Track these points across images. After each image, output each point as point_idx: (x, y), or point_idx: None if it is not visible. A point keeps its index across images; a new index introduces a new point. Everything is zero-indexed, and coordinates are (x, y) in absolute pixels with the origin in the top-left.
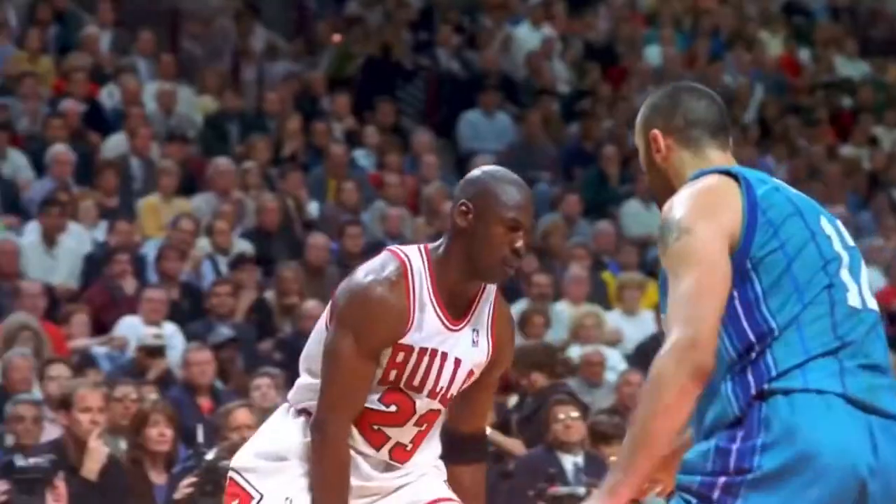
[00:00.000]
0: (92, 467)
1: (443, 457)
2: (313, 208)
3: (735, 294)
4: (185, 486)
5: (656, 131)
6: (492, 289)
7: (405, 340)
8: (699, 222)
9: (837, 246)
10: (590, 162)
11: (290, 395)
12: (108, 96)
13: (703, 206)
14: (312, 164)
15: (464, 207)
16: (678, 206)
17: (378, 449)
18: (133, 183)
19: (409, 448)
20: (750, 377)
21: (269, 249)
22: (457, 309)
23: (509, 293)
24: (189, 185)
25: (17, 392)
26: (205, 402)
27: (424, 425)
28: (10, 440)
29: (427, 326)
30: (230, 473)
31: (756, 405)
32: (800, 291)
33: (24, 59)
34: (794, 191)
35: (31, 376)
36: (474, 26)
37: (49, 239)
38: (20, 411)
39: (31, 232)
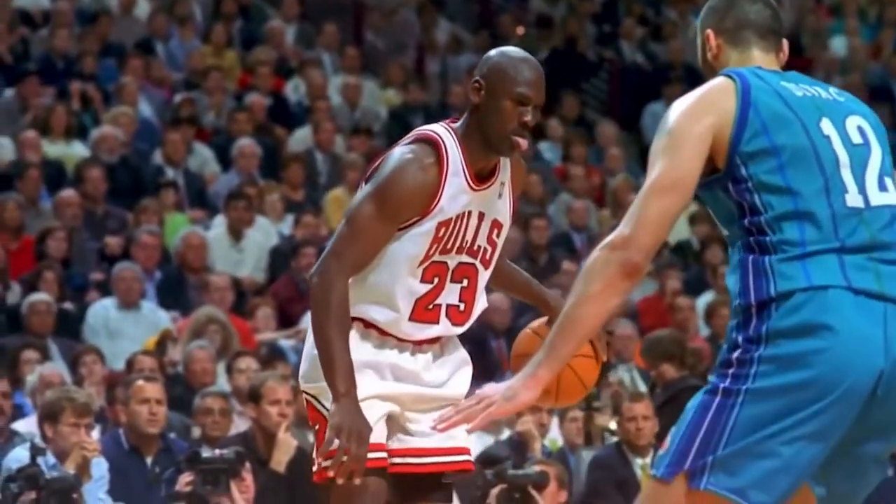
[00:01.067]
0: (280, 459)
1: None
2: None
3: (731, 190)
4: None
5: (710, 31)
6: None
7: (443, 216)
8: (685, 132)
9: (837, 145)
10: None
11: None
12: (293, 90)
13: (692, 113)
14: None
15: (476, 84)
16: (674, 110)
17: (438, 322)
18: (319, 176)
19: (462, 308)
20: (752, 275)
21: None
22: (483, 171)
23: (695, 285)
24: None
25: (200, 384)
26: None
27: (464, 280)
28: (196, 432)
29: (457, 195)
30: (305, 396)
31: (763, 308)
32: (792, 192)
33: (209, 53)
34: (801, 92)
35: (211, 368)
36: (658, 18)
37: (235, 232)
38: (208, 403)
39: (218, 225)
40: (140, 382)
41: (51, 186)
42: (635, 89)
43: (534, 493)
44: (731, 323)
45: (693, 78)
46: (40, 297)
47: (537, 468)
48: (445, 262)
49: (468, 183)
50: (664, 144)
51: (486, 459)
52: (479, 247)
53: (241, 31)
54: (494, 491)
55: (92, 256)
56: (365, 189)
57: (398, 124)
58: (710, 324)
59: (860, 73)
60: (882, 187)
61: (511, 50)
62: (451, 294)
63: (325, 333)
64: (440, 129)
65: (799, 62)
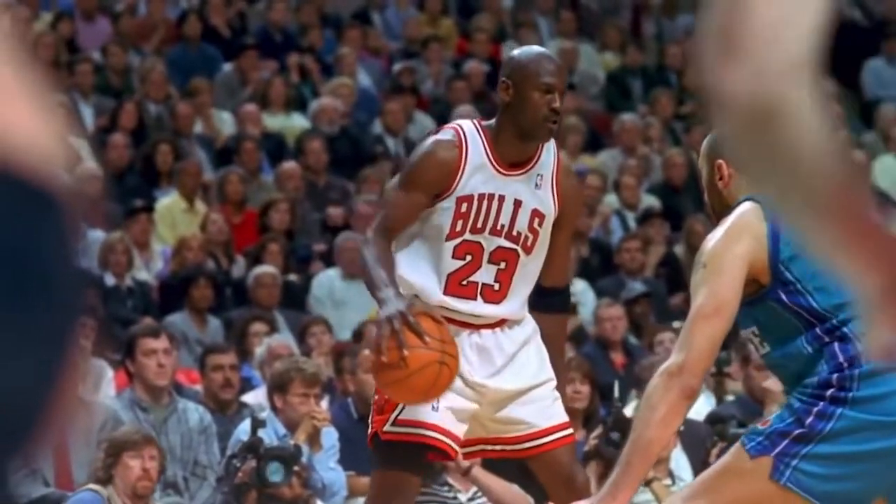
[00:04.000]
0: None
1: (529, 307)
2: None
3: (785, 299)
4: (592, 438)
5: (721, 161)
6: (551, 145)
7: (462, 192)
8: (720, 261)
9: None
10: None
11: None
12: None
13: (726, 242)
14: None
15: (504, 84)
16: (711, 239)
17: (474, 298)
18: None
19: (496, 288)
20: (837, 346)
21: (676, 203)
22: (514, 161)
23: None
24: (594, 141)
25: None
26: (618, 357)
27: (502, 263)
28: None
29: (481, 176)
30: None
31: (853, 362)
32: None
33: (425, 21)
34: None
35: None
36: None
37: None
38: None
39: None
40: (367, 352)
41: (272, 159)
42: (853, 46)
43: None
44: (813, 380)
45: None
46: (265, 269)
47: None
48: (479, 243)
49: (493, 166)
50: (703, 275)
51: (714, 419)
52: (519, 233)
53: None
54: (715, 450)
55: (315, 227)
56: (400, 173)
57: (617, 87)
58: None
59: None
60: None
61: (529, 48)
62: (487, 274)
63: (364, 261)
64: (463, 121)
65: None
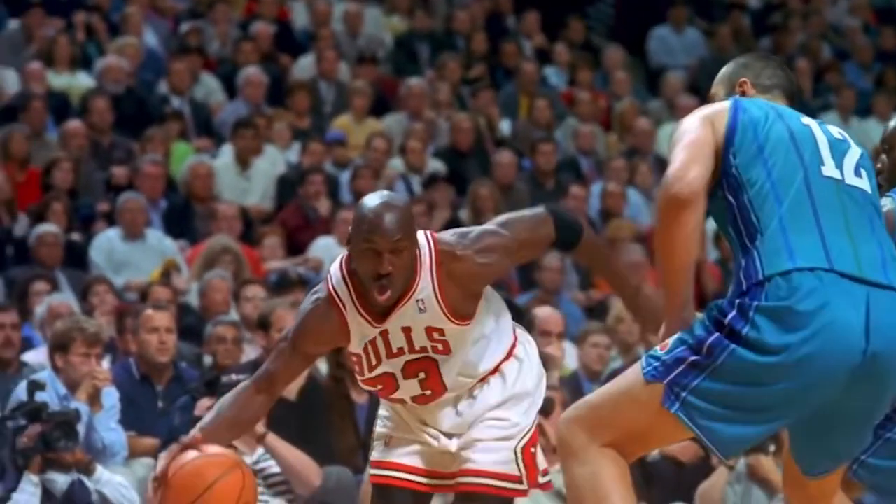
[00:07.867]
0: (291, 387)
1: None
2: (505, 126)
3: (725, 186)
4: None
5: (747, 81)
6: (426, 259)
7: (353, 349)
8: (689, 125)
9: (817, 132)
10: None
11: None
12: (299, 18)
13: (697, 117)
14: (503, 83)
15: (348, 238)
16: (682, 121)
17: (406, 403)
18: (323, 104)
19: (428, 393)
20: (743, 260)
21: (462, 168)
22: (383, 311)
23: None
24: (381, 105)
25: (216, 314)
26: None
27: (420, 374)
28: (208, 360)
29: (362, 329)
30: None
31: (753, 290)
32: (769, 172)
33: None
34: (784, 107)
35: (229, 298)
36: None
37: (242, 161)
38: (221, 332)
39: (225, 154)
40: (149, 311)
41: (56, 117)
42: (640, 13)
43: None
44: (722, 301)
45: (698, 1)
46: (48, 228)
47: None
48: (385, 371)
49: (369, 323)
50: (678, 135)
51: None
52: (423, 347)
53: None
54: None
55: (99, 187)
56: (289, 331)
57: (404, 51)
58: (718, 247)
59: None
60: (857, 174)
61: (371, 198)
62: (409, 389)
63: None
64: (336, 276)
65: None
